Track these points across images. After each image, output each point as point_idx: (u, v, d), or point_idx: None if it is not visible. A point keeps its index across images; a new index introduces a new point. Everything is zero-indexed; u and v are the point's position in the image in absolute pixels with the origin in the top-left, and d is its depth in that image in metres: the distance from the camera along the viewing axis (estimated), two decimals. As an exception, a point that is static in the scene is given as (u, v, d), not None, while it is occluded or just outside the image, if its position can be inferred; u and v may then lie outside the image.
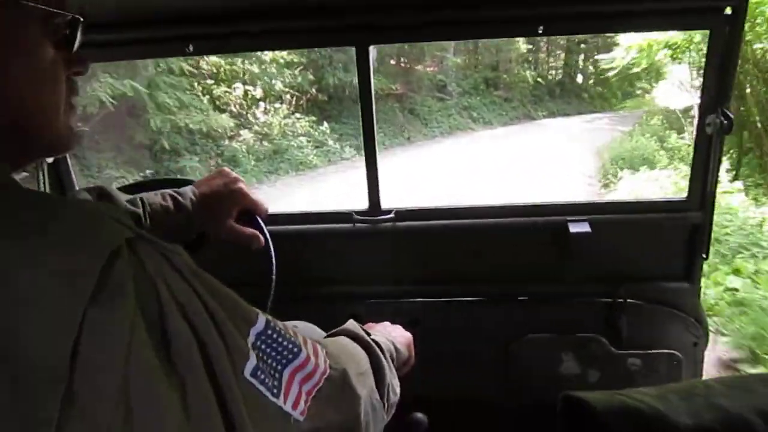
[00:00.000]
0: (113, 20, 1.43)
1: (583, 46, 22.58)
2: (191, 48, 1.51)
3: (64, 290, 0.45)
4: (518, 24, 1.48)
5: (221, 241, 1.17)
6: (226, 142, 10.96)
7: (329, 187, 9.72)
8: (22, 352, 0.43)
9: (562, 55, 23.44)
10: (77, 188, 1.62)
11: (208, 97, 11.01)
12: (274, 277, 1.15)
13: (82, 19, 0.63)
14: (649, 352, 1.62)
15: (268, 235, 1.19)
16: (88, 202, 0.62)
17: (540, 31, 1.45)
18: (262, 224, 1.20)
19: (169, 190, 1.13)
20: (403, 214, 1.64)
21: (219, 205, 1.15)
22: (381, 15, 1.45)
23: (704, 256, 1.57)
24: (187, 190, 1.15)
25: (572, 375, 1.65)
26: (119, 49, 1.56)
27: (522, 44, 19.83)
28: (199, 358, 0.52)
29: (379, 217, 1.64)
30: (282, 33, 1.54)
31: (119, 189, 1.13)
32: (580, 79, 23.99)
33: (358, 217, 1.64)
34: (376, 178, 1.61)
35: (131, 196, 1.09)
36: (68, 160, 1.69)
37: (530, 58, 22.23)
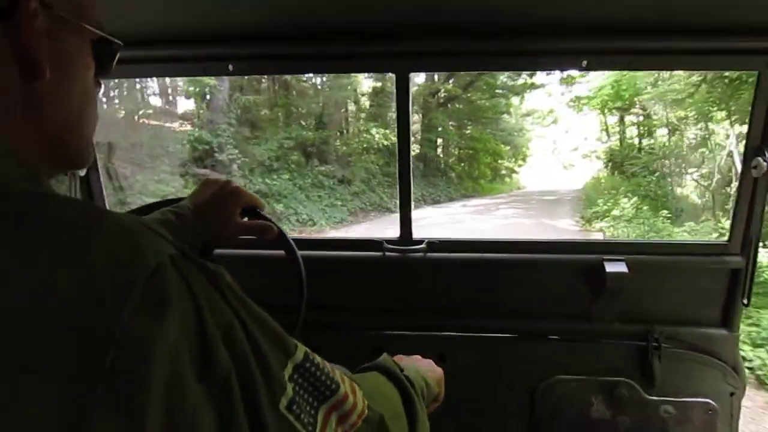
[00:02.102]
0: (154, 36, 1.43)
1: (442, 108, 16.10)
2: (231, 68, 1.52)
3: (105, 300, 0.43)
4: (562, 56, 1.44)
5: (233, 243, 1.16)
6: None
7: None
8: (58, 357, 0.41)
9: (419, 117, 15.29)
10: (106, 202, 1.76)
11: None
12: (305, 288, 1.12)
13: (122, 44, 0.68)
14: (683, 399, 1.58)
15: (282, 229, 1.16)
16: (130, 216, 0.53)
17: (584, 65, 1.44)
18: (269, 217, 1.17)
19: (167, 208, 1.12)
20: (434, 245, 1.61)
21: (220, 209, 1.15)
22: (424, 42, 1.43)
23: (744, 302, 1.54)
24: (184, 204, 1.15)
25: (602, 420, 1.59)
26: (159, 65, 1.56)
27: (365, 84, 13.00)
28: (237, 386, 0.51)
29: (409, 247, 1.60)
30: (322, 57, 1.51)
31: None
32: (439, 151, 17.29)
33: (389, 246, 1.61)
34: (410, 208, 1.59)
35: None
36: (99, 174, 1.69)
37: (374, 113, 13.55)
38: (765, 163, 1.43)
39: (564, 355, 1.59)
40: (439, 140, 16.81)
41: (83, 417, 0.40)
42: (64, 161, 0.63)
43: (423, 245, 1.59)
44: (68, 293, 0.43)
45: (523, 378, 1.60)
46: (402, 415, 0.82)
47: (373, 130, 12.75)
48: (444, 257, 1.60)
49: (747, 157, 1.48)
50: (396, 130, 1.55)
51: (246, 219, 1.18)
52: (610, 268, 1.52)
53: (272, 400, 0.55)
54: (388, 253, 1.60)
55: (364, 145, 12.66)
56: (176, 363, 0.46)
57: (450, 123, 15.98)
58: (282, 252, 1.17)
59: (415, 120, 13.59)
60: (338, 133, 12.56)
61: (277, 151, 11.65)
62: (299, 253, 1.16)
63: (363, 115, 13.08)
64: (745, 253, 1.53)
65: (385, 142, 12.52)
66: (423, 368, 1.06)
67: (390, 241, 1.61)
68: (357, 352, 0.89)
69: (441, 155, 16.79)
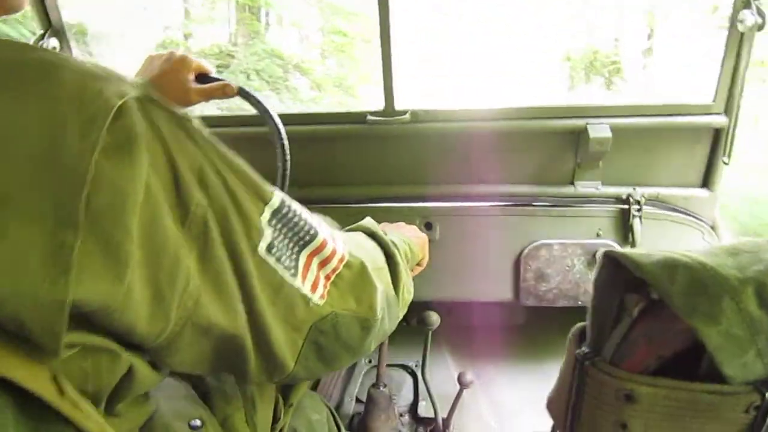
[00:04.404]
0: None
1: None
2: None
3: (73, 139, 0.42)
4: None
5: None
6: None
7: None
8: (33, 196, 0.41)
9: None
10: None
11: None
12: (284, 141, 1.13)
13: None
14: None
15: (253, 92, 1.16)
16: (92, 62, 0.50)
17: None
18: (221, 78, 1.17)
19: None
20: (419, 115, 1.57)
21: (173, 80, 1.13)
22: None
23: (725, 161, 1.55)
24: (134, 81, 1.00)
25: (583, 280, 1.64)
26: None
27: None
28: (214, 227, 0.52)
29: (394, 118, 1.56)
30: None
31: None
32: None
33: (373, 117, 1.56)
34: (391, 77, 1.52)
35: None
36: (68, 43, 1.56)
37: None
38: (752, 17, 1.37)
39: (548, 220, 1.62)
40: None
41: (65, 257, 0.40)
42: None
43: (407, 116, 1.56)
44: (34, 131, 0.42)
45: (507, 244, 1.63)
46: (385, 269, 0.83)
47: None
48: (428, 127, 1.58)
49: (735, 10, 1.41)
50: None
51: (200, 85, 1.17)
52: (594, 132, 1.51)
53: (251, 243, 0.56)
54: (372, 125, 1.57)
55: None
56: (152, 202, 0.46)
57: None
58: (256, 129, 1.15)
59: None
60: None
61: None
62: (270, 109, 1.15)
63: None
64: (729, 111, 1.51)
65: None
66: (407, 233, 1.08)
67: (374, 113, 1.57)
68: (342, 226, 0.93)
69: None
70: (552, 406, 0.61)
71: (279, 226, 0.60)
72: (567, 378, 0.57)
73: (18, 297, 0.40)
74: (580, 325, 0.59)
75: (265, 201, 0.59)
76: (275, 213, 0.60)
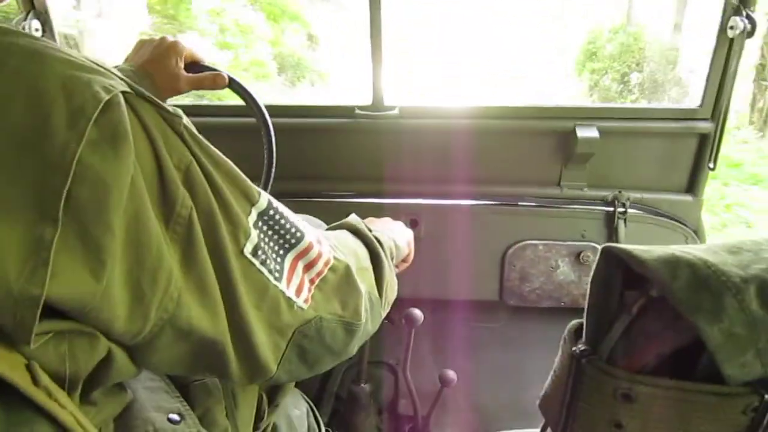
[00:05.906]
0: None
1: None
2: None
3: (58, 130, 0.41)
4: None
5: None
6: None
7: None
8: (15, 185, 0.40)
9: None
10: None
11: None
12: (272, 137, 1.12)
13: None
14: None
15: (231, 75, 1.14)
16: (82, 54, 0.49)
17: None
18: (213, 66, 1.16)
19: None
20: (407, 111, 1.56)
21: (163, 65, 1.11)
22: None
23: (711, 167, 1.56)
24: (123, 66, 1.10)
25: (567, 281, 1.64)
26: None
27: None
28: (199, 227, 0.51)
29: (382, 113, 1.55)
30: None
31: None
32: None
33: (361, 112, 1.56)
34: (381, 71, 1.52)
35: None
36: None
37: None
38: (742, 24, 1.38)
39: (533, 220, 1.62)
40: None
41: (43, 251, 0.40)
42: None
43: (396, 111, 1.55)
44: (18, 119, 0.41)
45: (492, 243, 1.64)
46: (369, 269, 0.83)
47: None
48: (417, 123, 1.57)
49: (724, 16, 1.42)
50: None
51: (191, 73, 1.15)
52: (582, 133, 1.51)
53: (236, 244, 0.55)
54: (360, 120, 1.56)
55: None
56: (137, 200, 0.46)
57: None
58: (245, 120, 1.13)
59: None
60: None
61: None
62: (261, 102, 1.13)
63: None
64: (715, 117, 1.52)
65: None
66: (392, 229, 1.07)
67: (362, 107, 1.56)
68: (328, 221, 0.92)
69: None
70: (545, 404, 0.60)
71: (265, 228, 0.60)
72: (562, 376, 0.56)
73: None
74: (576, 322, 0.58)
75: (252, 202, 0.58)
76: (261, 215, 0.59)
